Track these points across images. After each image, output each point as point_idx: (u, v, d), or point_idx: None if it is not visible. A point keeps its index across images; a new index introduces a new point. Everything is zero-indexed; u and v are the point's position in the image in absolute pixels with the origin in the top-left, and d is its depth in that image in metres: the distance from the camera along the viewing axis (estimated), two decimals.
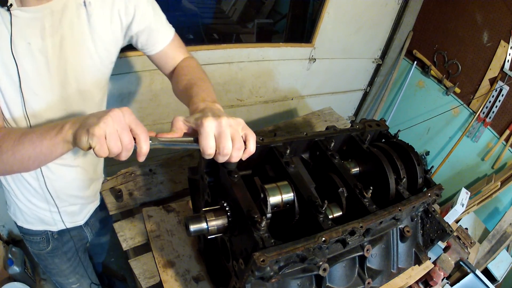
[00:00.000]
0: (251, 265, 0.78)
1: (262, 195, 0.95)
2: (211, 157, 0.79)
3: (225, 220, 0.93)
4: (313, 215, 0.93)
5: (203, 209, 0.95)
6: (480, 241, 2.36)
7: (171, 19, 1.15)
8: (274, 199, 0.97)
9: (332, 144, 1.19)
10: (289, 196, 0.99)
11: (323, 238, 0.85)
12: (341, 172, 1.12)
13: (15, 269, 2.21)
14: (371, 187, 1.06)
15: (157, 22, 1.10)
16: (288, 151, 1.06)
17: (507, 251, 2.46)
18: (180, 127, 0.81)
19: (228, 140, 0.77)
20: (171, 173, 1.68)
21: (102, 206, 1.56)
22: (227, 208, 0.93)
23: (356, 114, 3.81)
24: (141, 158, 0.74)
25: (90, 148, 0.71)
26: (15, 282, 2.17)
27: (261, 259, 0.75)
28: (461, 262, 1.76)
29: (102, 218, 1.64)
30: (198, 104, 0.90)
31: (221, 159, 0.79)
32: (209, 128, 0.76)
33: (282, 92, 2.91)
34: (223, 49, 2.33)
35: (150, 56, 1.17)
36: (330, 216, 1.06)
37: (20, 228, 1.34)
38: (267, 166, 1.09)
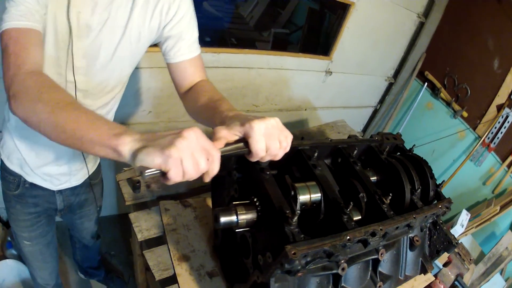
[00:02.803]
0: (282, 258, 0.82)
1: (292, 193, 0.99)
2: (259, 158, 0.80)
3: (254, 214, 0.97)
4: (338, 216, 0.98)
5: (233, 203, 0.99)
6: (476, 263, 2.40)
7: None
8: (303, 198, 1.02)
9: (355, 152, 1.24)
10: (317, 196, 1.04)
11: (348, 237, 0.90)
12: (362, 178, 1.17)
13: (13, 252, 2.19)
14: (391, 194, 1.11)
15: (188, 34, 1.10)
16: (316, 154, 1.12)
17: (501, 274, 2.49)
18: (224, 136, 0.79)
19: (276, 140, 0.79)
20: None
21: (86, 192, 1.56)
22: (257, 203, 0.97)
23: (365, 130, 3.81)
24: (208, 179, 0.72)
25: (156, 171, 0.65)
26: (7, 260, 2.10)
27: (293, 252, 0.79)
28: (456, 282, 1.80)
29: (83, 201, 1.60)
30: (226, 113, 0.87)
31: (267, 159, 0.81)
32: (259, 131, 0.77)
33: (296, 102, 2.93)
34: (245, 54, 2.35)
35: (170, 65, 1.16)
36: None
37: (1, 161, 1.33)
38: (294, 167, 1.14)
